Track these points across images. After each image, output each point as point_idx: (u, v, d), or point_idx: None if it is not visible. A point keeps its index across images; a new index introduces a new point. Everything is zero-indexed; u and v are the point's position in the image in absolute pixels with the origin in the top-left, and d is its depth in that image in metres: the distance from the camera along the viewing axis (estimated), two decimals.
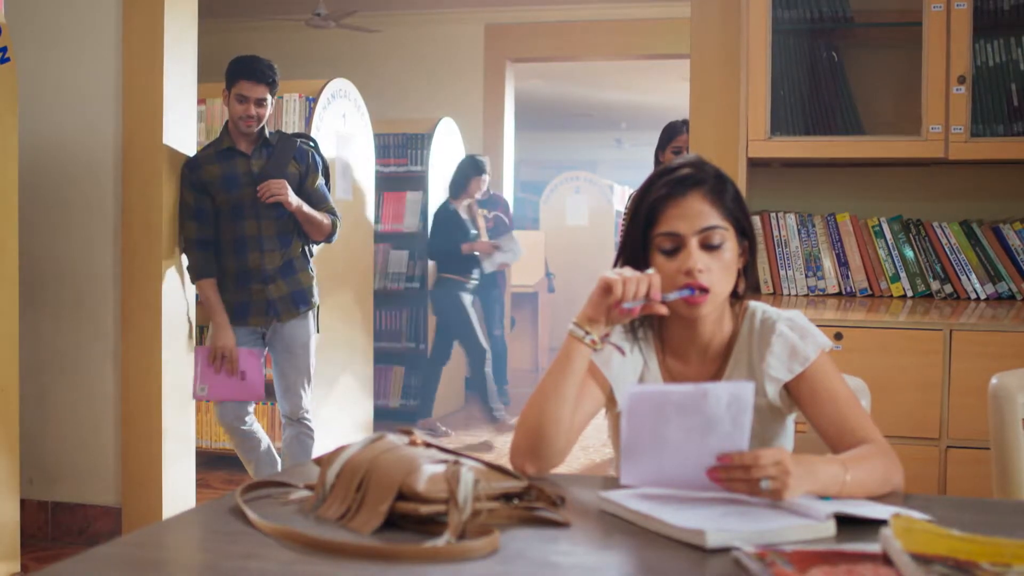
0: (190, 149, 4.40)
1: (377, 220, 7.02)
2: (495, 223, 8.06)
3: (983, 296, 3.46)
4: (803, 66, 3.54)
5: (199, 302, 5.39)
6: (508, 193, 8.75)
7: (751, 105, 3.36)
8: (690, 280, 1.81)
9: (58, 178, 4.32)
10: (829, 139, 3.45)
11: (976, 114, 3.31)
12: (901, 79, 3.49)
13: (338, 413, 5.59)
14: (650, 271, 1.76)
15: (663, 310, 1.78)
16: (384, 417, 6.91)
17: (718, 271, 1.83)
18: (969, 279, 3.47)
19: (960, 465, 2.95)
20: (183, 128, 4.35)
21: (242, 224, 4.17)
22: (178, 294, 4.34)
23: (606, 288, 1.74)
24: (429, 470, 1.48)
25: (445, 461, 1.52)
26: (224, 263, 4.22)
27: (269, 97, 4.18)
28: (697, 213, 1.83)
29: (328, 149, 5.49)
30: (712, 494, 1.57)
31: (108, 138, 4.27)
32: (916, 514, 1.49)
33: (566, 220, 11.85)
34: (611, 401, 1.96)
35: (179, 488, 4.38)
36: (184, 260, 4.30)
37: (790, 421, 2.01)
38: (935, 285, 3.50)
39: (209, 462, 5.70)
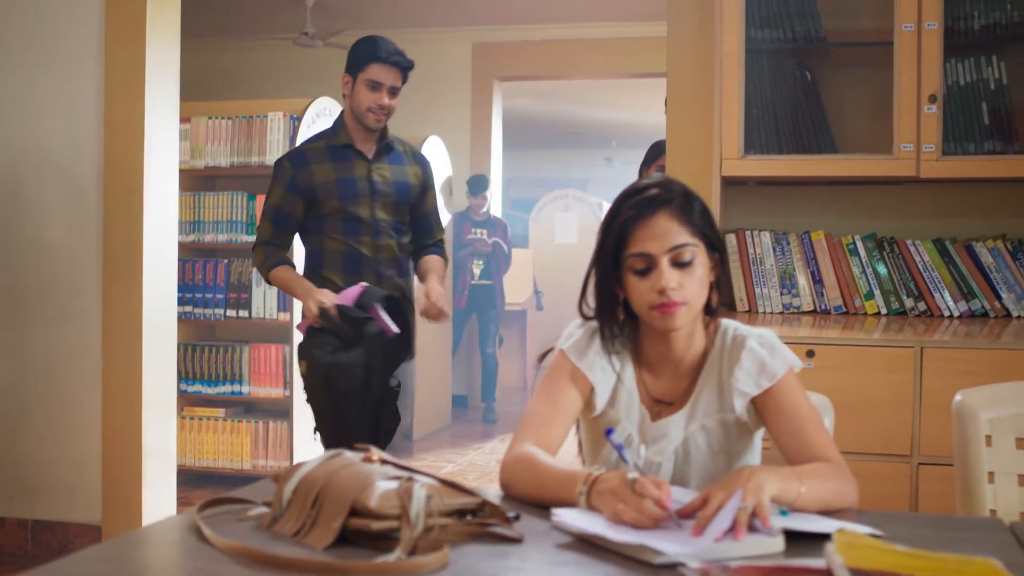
0: (172, 168, 4.42)
1: None
2: (494, 248, 8.12)
3: (956, 313, 3.48)
4: (777, 85, 3.57)
5: (183, 320, 5.41)
6: (496, 212, 8.78)
7: (725, 124, 3.39)
8: (663, 298, 1.84)
9: (41, 196, 4.33)
10: (802, 158, 3.48)
11: (948, 133, 3.34)
12: (874, 98, 3.52)
13: None
14: (633, 474, 1.58)
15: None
16: None
17: (691, 286, 1.86)
18: (942, 296, 3.49)
19: (932, 482, 2.96)
20: (164, 148, 4.37)
21: (356, 240, 3.61)
22: (160, 311, 4.35)
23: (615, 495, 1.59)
24: (382, 487, 1.49)
25: (399, 478, 1.53)
26: (329, 278, 3.61)
27: (400, 88, 3.67)
28: (666, 232, 1.86)
29: None
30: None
31: (90, 157, 4.28)
32: (865, 529, 1.50)
33: (555, 238, 11.88)
34: (588, 406, 1.99)
35: (160, 506, 4.38)
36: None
37: (757, 438, 2.03)
38: (909, 302, 3.53)
39: (193, 480, 5.70)
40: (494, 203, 8.68)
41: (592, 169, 17.12)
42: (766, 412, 1.90)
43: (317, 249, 3.67)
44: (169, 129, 4.42)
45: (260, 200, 5.50)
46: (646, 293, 1.86)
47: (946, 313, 3.49)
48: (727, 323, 2.00)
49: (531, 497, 1.74)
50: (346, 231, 3.61)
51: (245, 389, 5.59)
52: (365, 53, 3.60)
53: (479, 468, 6.45)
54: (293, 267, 3.66)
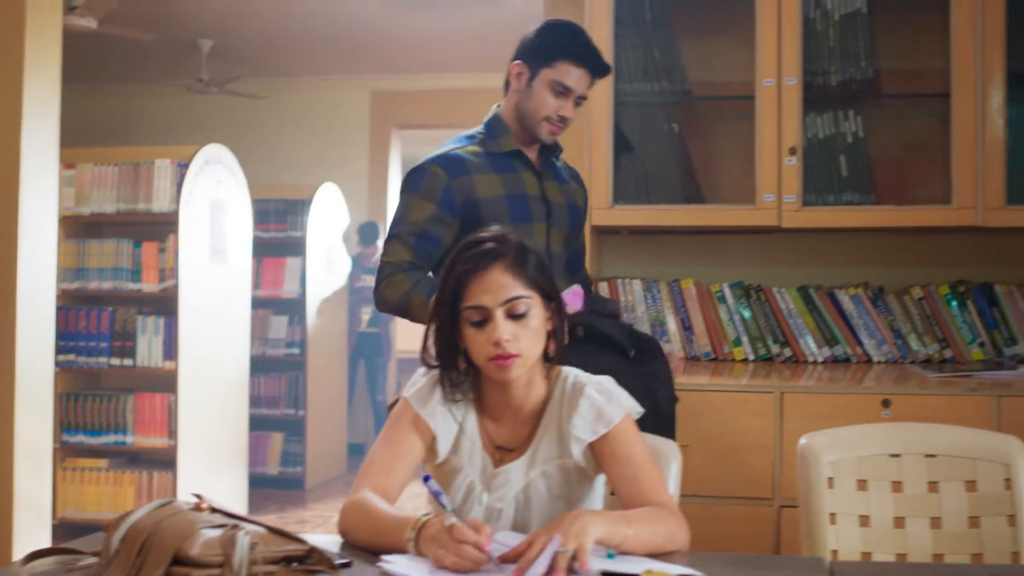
0: (51, 214, 4.35)
1: (257, 286, 7.00)
2: None
3: (820, 359, 3.59)
4: (645, 137, 3.66)
5: (65, 368, 5.31)
6: None
7: (594, 174, 3.46)
8: (498, 350, 1.88)
9: None
10: (670, 207, 3.57)
11: (808, 184, 3.45)
12: (738, 150, 3.62)
13: (213, 480, 5.54)
14: (451, 519, 1.63)
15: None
16: (263, 484, 6.86)
17: (526, 337, 1.90)
18: (807, 342, 3.60)
19: (794, 523, 3.01)
20: (42, 193, 4.29)
21: None
22: (35, 360, 4.27)
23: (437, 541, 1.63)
24: (206, 535, 1.50)
25: (225, 525, 1.54)
26: None
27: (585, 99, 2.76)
28: (500, 286, 1.90)
29: (201, 215, 5.49)
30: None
31: None
32: (679, 570, 1.55)
33: None
34: (431, 454, 2.01)
35: None
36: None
37: (599, 483, 2.07)
38: (775, 348, 3.62)
39: (74, 532, 5.56)
40: None
41: None
42: (603, 458, 1.95)
43: None
44: (48, 175, 4.35)
45: (147, 247, 5.47)
46: (483, 345, 1.90)
47: (811, 359, 3.59)
48: (567, 371, 2.04)
49: (367, 543, 1.76)
50: None
51: (129, 439, 5.49)
52: (559, 45, 2.69)
53: None
54: None
